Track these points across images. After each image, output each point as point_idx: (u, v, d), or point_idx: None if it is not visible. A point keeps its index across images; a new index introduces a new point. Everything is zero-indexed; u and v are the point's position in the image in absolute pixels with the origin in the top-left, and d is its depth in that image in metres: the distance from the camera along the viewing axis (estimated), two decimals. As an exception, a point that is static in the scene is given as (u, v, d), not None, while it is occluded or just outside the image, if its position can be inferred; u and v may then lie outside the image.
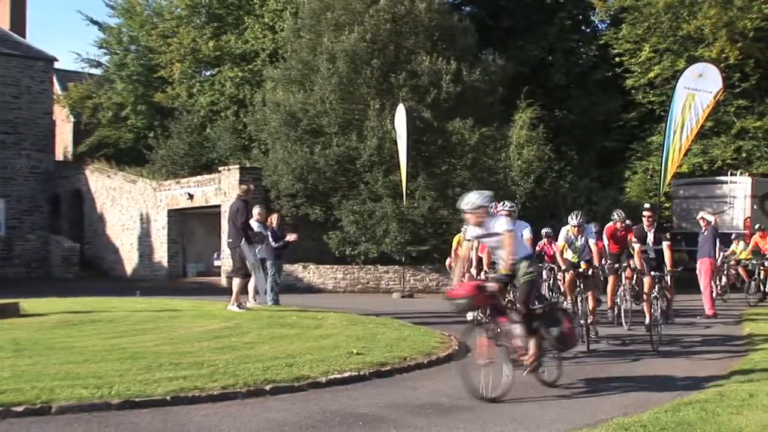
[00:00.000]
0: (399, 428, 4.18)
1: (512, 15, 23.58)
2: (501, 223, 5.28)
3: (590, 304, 7.80)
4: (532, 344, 5.06)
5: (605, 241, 8.98)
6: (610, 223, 9.08)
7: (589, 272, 7.87)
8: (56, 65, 26.89)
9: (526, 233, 7.51)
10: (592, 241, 8.10)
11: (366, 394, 5.20)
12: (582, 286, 7.86)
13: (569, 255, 8.41)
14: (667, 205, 20.27)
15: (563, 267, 8.38)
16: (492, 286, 5.16)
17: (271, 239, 11.25)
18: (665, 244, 8.09)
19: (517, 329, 5.10)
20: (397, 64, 18.92)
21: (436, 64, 18.25)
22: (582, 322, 7.42)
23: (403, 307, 12.78)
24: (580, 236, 8.16)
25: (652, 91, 20.32)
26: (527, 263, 5.29)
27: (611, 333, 8.56)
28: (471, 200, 5.23)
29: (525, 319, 5.13)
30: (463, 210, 5.32)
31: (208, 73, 24.88)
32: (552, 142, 20.99)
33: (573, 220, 8.00)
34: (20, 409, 4.55)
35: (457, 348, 6.91)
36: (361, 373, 5.76)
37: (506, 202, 7.55)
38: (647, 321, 7.76)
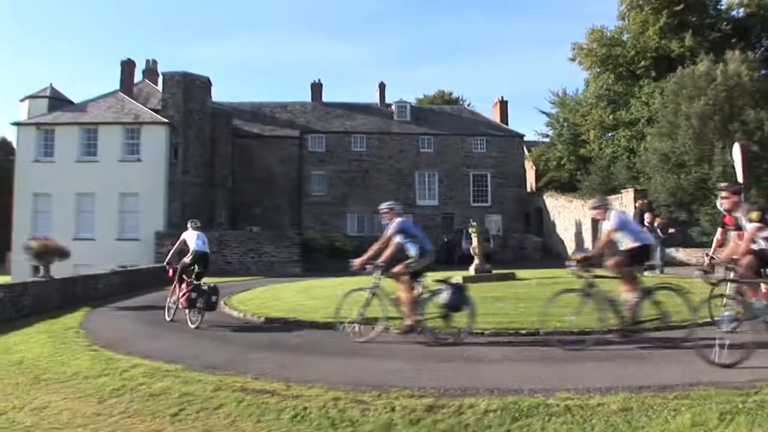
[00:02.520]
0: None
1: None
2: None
3: None
4: None
5: None
6: None
7: None
8: (525, 138, 39.70)
9: None
10: None
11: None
12: None
13: None
14: None
15: None
16: None
17: (660, 232, 14.45)
18: None
19: None
20: (731, 117, 24.00)
21: (759, 114, 23.46)
22: None
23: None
24: None
25: None
26: None
27: None
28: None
29: None
30: None
31: (610, 135, 34.01)
32: None
33: None
34: (523, 332, 7.55)
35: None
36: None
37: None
38: None
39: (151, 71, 38.25)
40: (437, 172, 38.05)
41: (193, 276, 10.09)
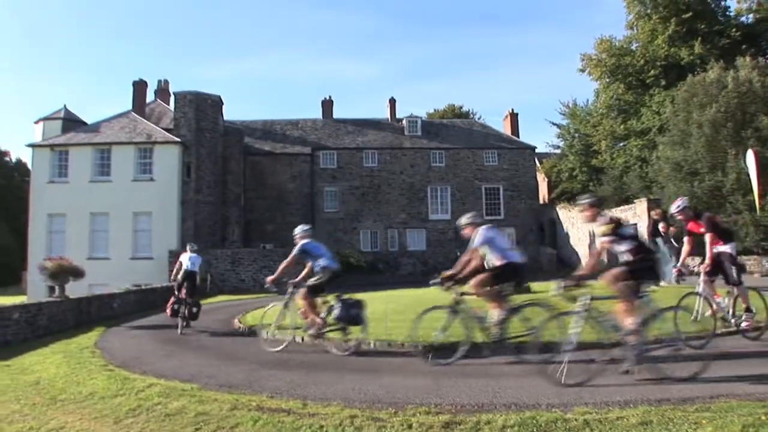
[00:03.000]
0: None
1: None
2: None
3: None
4: None
5: None
6: None
7: None
8: (536, 150, 39.64)
9: None
10: None
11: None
12: None
13: None
14: None
15: None
16: None
17: (673, 242, 14.00)
18: None
19: None
20: (744, 124, 23.76)
21: None
22: None
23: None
24: None
25: None
26: None
27: None
28: None
29: None
30: None
31: (621, 145, 33.95)
32: None
33: None
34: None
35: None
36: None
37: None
38: None
39: (162, 91, 38.76)
40: (449, 186, 38.04)
41: (183, 291, 12.01)
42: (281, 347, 8.46)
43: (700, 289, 7.95)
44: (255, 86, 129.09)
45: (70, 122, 33.20)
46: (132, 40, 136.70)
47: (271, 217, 36.05)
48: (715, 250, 7.92)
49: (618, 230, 5.86)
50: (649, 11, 33.14)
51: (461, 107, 57.33)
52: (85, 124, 33.68)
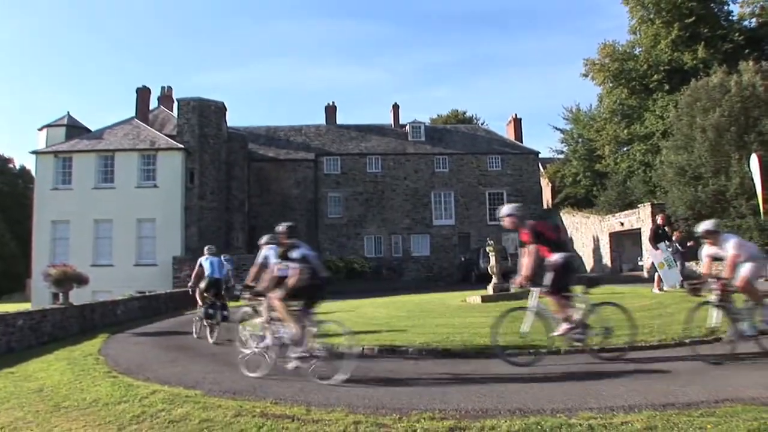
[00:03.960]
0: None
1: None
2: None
3: None
4: None
5: None
6: None
7: None
8: (540, 155, 39.91)
9: None
10: None
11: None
12: None
13: None
14: None
15: None
16: None
17: (678, 246, 14.16)
18: None
19: None
20: (747, 128, 23.69)
21: None
22: None
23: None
24: None
25: None
26: None
27: None
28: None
29: None
30: None
31: (625, 149, 33.85)
32: None
33: None
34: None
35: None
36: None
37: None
38: None
39: (166, 98, 38.92)
40: (453, 192, 38.04)
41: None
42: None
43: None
44: (258, 93, 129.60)
45: (74, 129, 33.34)
46: (135, 47, 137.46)
47: (276, 223, 35.75)
48: (546, 261, 7.46)
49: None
50: (651, 16, 33.12)
51: (464, 113, 57.34)
52: (88, 130, 33.81)
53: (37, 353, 10.11)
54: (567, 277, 7.06)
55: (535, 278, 6.97)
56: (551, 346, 7.28)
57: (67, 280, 13.72)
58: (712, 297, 6.96)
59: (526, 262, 7.00)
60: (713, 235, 7.06)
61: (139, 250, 30.04)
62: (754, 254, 7.12)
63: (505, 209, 7.37)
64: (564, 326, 6.95)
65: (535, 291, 7.13)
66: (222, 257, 13.64)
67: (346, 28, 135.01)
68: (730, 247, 6.87)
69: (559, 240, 7.54)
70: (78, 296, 14.82)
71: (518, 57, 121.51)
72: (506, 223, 7.33)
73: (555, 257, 7.02)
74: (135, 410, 5.60)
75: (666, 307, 10.26)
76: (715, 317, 7.01)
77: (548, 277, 6.94)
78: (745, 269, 6.87)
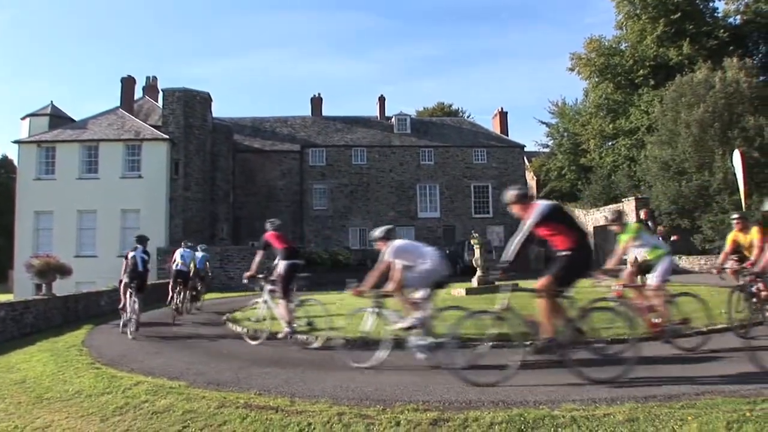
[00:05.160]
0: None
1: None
2: None
3: None
4: None
5: None
6: None
7: None
8: (525, 149, 39.62)
9: None
10: None
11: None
12: None
13: None
14: None
15: None
16: None
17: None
18: None
19: None
20: (731, 124, 24.31)
21: (758, 121, 23.70)
22: None
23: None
24: None
25: None
26: None
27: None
28: None
29: None
30: None
31: (610, 144, 34.22)
32: None
33: None
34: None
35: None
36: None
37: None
38: None
39: (151, 88, 38.49)
40: (438, 184, 38.09)
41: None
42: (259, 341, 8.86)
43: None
44: (244, 84, 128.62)
45: (58, 119, 32.85)
46: (121, 36, 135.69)
47: (261, 215, 35.89)
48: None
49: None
50: (638, 11, 33.34)
51: (451, 105, 57.40)
52: (72, 120, 33.33)
53: (19, 345, 10.01)
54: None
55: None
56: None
57: (50, 271, 13.57)
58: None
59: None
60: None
61: (123, 241, 29.69)
62: None
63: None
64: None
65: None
66: (198, 247, 14.61)
67: (334, 20, 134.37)
68: None
69: (293, 246, 8.86)
70: (61, 287, 14.67)
71: (505, 51, 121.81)
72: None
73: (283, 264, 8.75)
74: (118, 402, 5.57)
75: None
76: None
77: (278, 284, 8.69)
78: None
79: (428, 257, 6.99)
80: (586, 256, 5.87)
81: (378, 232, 7.37)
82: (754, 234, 8.37)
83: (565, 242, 5.71)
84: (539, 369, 5.97)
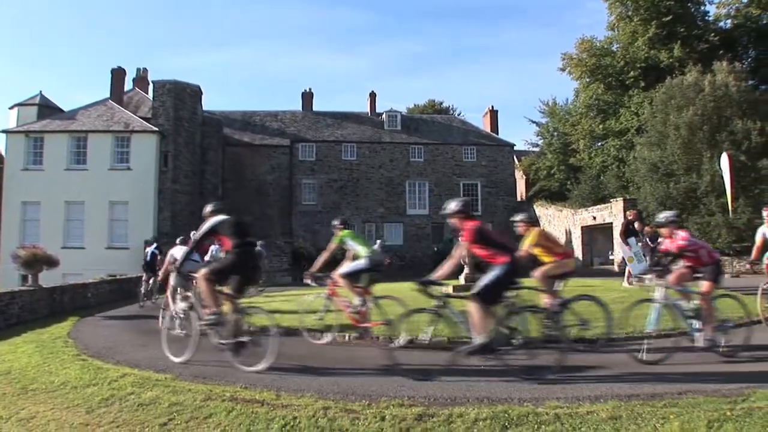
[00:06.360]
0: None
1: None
2: None
3: None
4: None
5: None
6: None
7: None
8: (515, 148, 39.97)
9: None
10: None
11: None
12: None
13: None
14: None
15: None
16: None
17: (648, 241, 14.27)
18: None
19: None
20: (719, 127, 24.12)
21: (746, 125, 23.54)
22: None
23: (736, 283, 14.03)
24: None
25: None
26: None
27: None
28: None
29: None
30: None
31: (599, 144, 34.25)
32: None
33: None
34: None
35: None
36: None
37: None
38: None
39: (141, 79, 38.20)
40: (427, 182, 38.14)
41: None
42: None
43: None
44: (235, 77, 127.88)
45: (46, 109, 32.56)
46: (111, 27, 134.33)
47: (249, 209, 35.80)
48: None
49: None
50: (630, 13, 33.43)
51: (441, 103, 57.36)
52: (61, 111, 33.05)
53: (4, 336, 9.92)
54: None
55: None
56: None
57: (36, 262, 13.44)
58: None
59: None
60: None
61: (111, 232, 29.58)
62: None
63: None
64: None
65: None
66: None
67: (326, 15, 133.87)
68: None
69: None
70: (48, 278, 14.56)
71: (497, 49, 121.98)
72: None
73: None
74: (104, 393, 5.55)
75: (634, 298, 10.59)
76: None
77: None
78: None
79: None
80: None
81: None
82: None
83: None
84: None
